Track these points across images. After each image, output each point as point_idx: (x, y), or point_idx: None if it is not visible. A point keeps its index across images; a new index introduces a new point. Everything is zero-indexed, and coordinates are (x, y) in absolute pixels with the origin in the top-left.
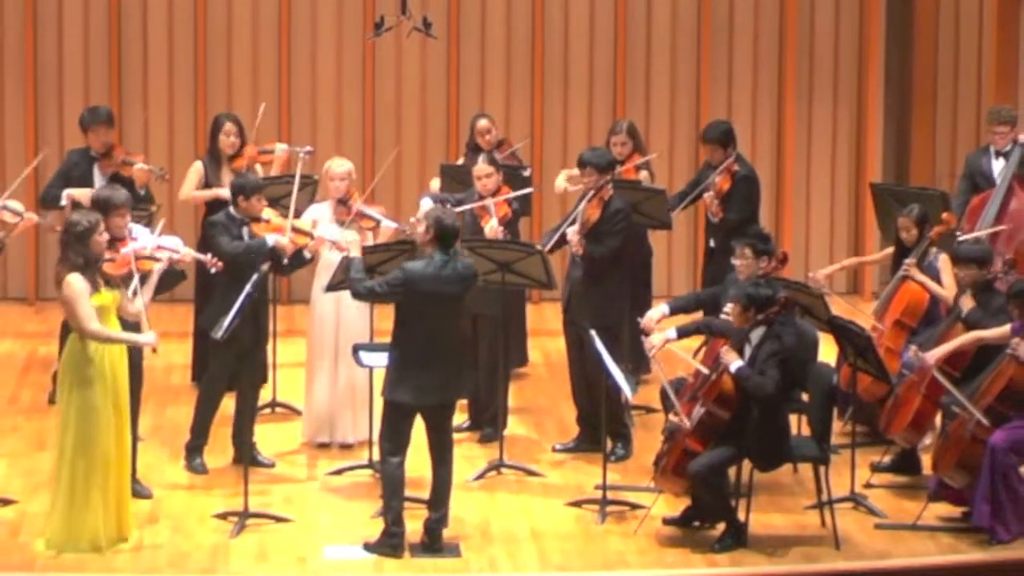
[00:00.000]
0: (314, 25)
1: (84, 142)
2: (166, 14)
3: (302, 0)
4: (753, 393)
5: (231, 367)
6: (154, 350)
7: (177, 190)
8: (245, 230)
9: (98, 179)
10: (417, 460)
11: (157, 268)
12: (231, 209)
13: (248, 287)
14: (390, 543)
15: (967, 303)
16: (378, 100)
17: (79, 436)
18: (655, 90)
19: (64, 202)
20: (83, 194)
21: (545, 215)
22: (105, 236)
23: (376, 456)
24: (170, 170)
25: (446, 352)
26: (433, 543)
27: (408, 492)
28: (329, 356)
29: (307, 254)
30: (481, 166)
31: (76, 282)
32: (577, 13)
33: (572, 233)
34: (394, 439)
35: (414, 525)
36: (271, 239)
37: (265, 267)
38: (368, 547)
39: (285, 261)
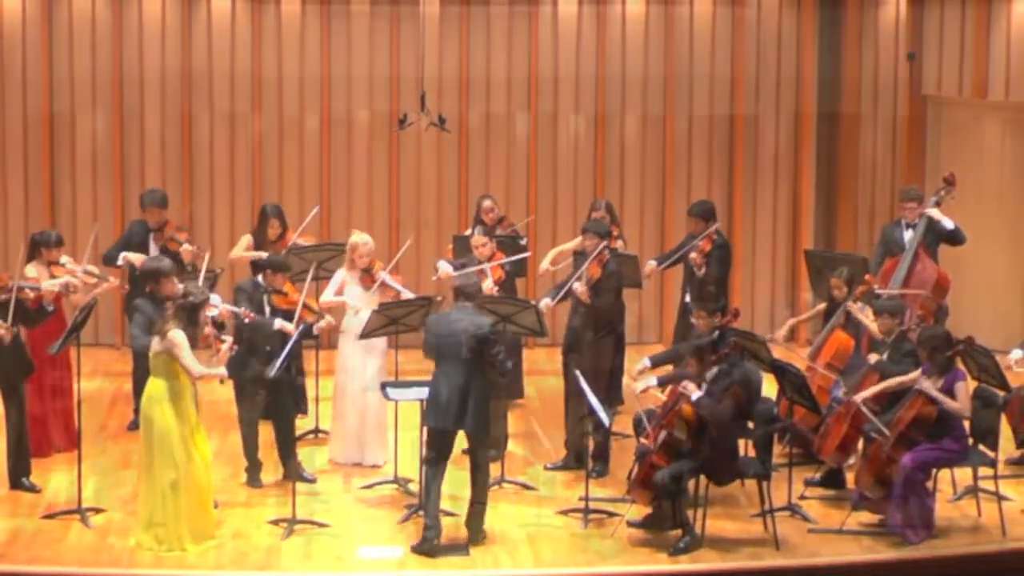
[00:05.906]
0: (349, 121)
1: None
2: (228, 119)
3: (340, 100)
4: (710, 419)
5: (261, 400)
6: (222, 381)
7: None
8: (266, 298)
9: (152, 248)
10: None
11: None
12: (259, 278)
13: (295, 335)
14: (424, 547)
15: (872, 358)
16: (402, 182)
17: (167, 446)
18: (628, 174)
19: (120, 262)
20: (137, 258)
21: (540, 278)
22: (211, 309)
23: (399, 473)
24: (229, 247)
25: (451, 386)
26: (462, 542)
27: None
28: (354, 393)
29: (315, 331)
30: (477, 238)
31: (180, 336)
32: (565, 112)
33: (579, 286)
34: (429, 449)
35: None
36: (277, 323)
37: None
38: (414, 548)
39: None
